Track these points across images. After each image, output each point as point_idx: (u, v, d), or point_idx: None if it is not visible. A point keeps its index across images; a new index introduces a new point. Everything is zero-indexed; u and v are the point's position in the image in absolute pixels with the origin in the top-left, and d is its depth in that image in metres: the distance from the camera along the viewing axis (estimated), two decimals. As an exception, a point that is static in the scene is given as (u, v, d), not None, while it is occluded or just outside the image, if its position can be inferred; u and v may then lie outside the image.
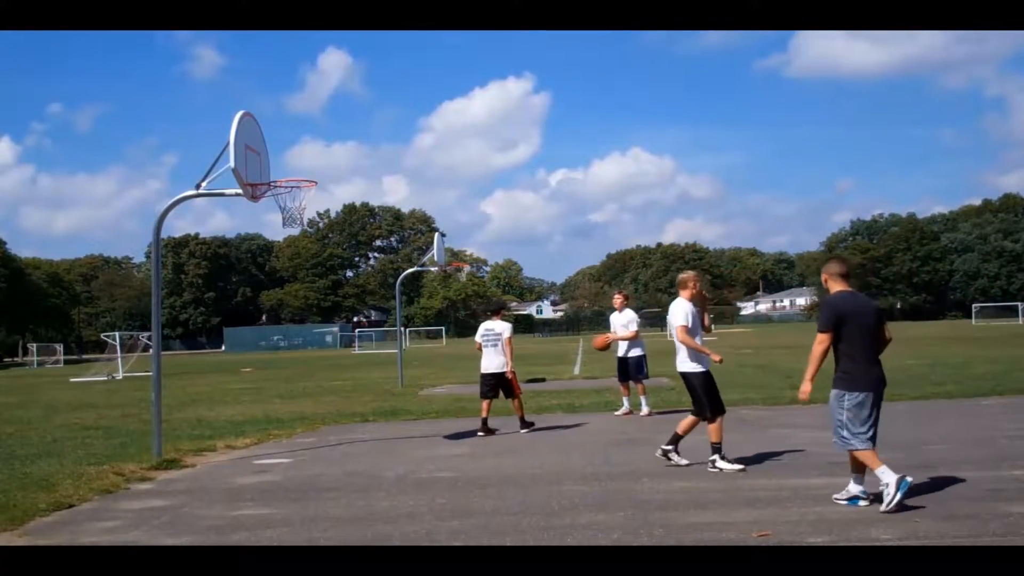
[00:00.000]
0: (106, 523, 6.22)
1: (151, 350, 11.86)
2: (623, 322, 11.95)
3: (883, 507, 5.59)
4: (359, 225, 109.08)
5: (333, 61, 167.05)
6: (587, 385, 17.37)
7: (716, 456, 7.32)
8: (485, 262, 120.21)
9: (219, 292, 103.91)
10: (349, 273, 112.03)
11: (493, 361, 10.53)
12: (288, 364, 40.48)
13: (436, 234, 24.64)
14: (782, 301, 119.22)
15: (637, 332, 11.87)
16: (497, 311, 11.03)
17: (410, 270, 26.49)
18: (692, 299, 7.67)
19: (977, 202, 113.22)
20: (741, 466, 7.29)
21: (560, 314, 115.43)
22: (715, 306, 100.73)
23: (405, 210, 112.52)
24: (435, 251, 21.70)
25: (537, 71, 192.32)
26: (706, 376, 7.48)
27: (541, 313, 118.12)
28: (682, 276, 7.85)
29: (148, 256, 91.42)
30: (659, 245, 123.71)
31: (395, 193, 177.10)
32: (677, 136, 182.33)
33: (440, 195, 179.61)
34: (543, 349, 42.53)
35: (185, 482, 7.92)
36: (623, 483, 6.97)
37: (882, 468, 5.66)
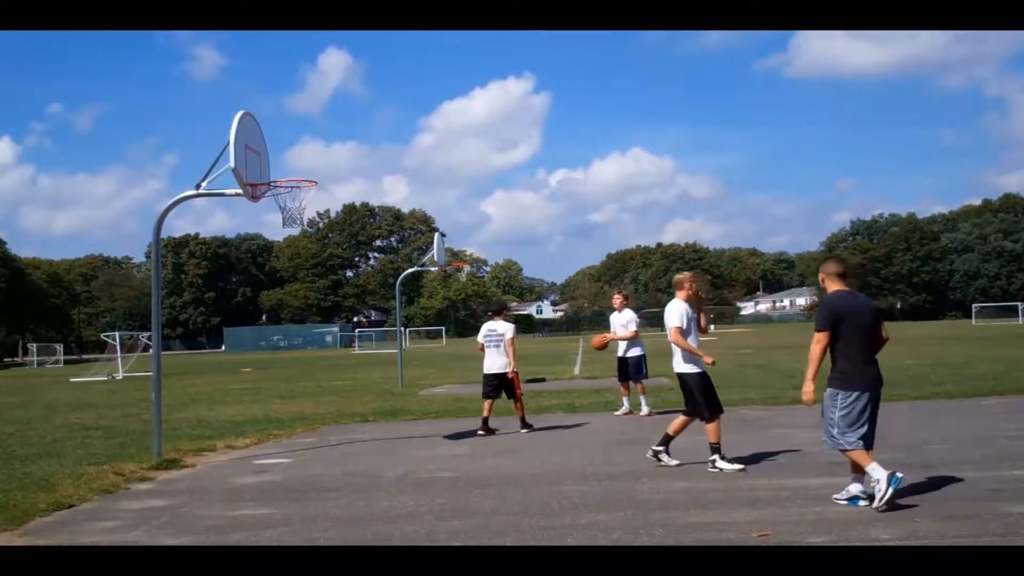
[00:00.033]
0: (106, 523, 6.22)
1: (151, 350, 11.87)
2: (622, 322, 11.95)
3: (875, 504, 5.61)
4: (359, 225, 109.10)
5: (333, 61, 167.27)
6: (587, 385, 17.37)
7: (716, 456, 7.32)
8: (485, 262, 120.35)
9: (219, 292, 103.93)
10: (349, 273, 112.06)
11: (495, 362, 10.53)
12: (288, 364, 40.48)
13: (436, 234, 24.64)
14: (782, 301, 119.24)
15: (636, 332, 11.87)
16: (499, 311, 11.03)
17: (410, 270, 26.48)
18: (688, 300, 7.67)
19: (977, 202, 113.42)
20: (741, 466, 7.29)
21: (560, 314, 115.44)
22: (715, 306, 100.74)
23: (405, 210, 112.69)
24: (435, 251, 21.70)
25: (537, 71, 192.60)
26: (703, 377, 7.49)
27: (541, 313, 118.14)
28: (678, 277, 7.85)
29: (148, 256, 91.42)
30: (659, 245, 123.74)
31: (395, 193, 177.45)
32: (677, 136, 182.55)
33: (440, 195, 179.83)
34: (543, 349, 42.54)
35: (185, 482, 7.92)
36: (623, 483, 6.97)
37: (873, 465, 5.67)
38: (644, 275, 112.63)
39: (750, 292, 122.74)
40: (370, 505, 6.53)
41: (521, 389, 10.83)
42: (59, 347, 66.06)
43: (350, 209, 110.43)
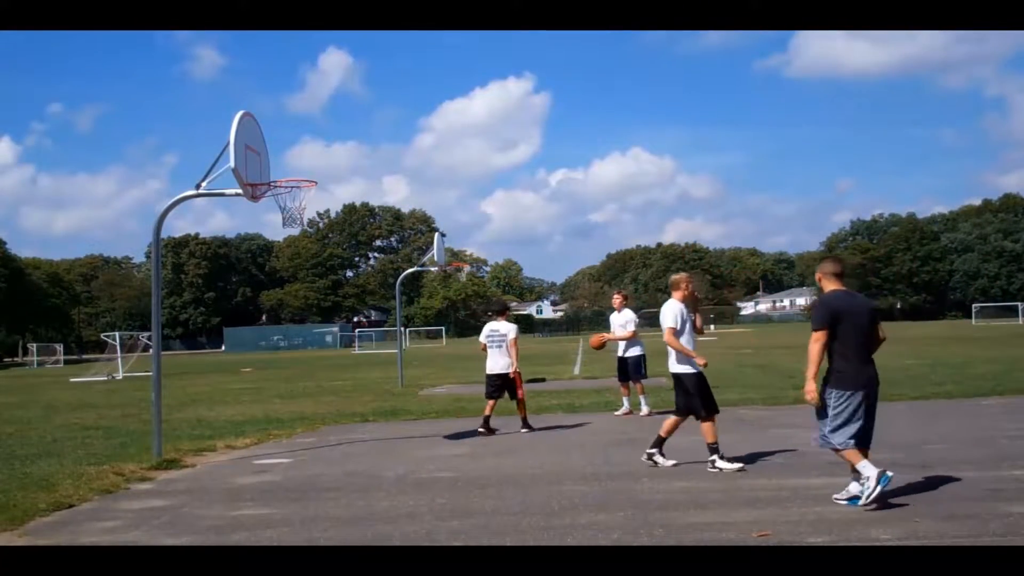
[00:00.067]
0: (106, 523, 6.22)
1: (151, 350, 11.87)
2: (621, 322, 11.97)
3: (862, 501, 5.65)
4: (359, 225, 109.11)
5: (333, 61, 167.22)
6: (587, 385, 17.37)
7: (715, 456, 7.32)
8: (485, 262, 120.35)
9: (219, 292, 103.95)
10: (349, 273, 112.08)
11: (498, 362, 10.55)
12: (288, 364, 40.49)
13: (436, 234, 24.64)
14: (782, 301, 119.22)
15: (635, 332, 11.87)
16: (502, 312, 11.05)
17: (410, 270, 26.49)
18: (684, 300, 7.68)
19: (977, 202, 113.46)
20: (740, 464, 7.30)
21: (560, 314, 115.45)
22: (715, 306, 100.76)
23: (405, 210, 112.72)
24: (435, 251, 21.70)
25: (537, 71, 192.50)
26: (698, 377, 7.50)
27: (541, 313, 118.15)
28: (674, 277, 7.86)
29: (148, 256, 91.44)
30: (659, 245, 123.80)
31: (395, 193, 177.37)
32: (677, 136, 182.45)
33: (440, 195, 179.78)
34: (543, 349, 42.54)
35: (185, 482, 7.92)
36: (623, 483, 6.97)
37: (863, 463, 5.71)
38: (644, 275, 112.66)
39: (750, 292, 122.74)
40: (370, 505, 6.53)
41: (523, 389, 10.84)
42: (59, 347, 66.07)
43: (350, 209, 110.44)
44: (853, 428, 5.80)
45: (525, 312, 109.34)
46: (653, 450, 7.68)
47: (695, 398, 7.44)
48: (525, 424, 10.62)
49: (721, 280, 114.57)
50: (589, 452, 8.74)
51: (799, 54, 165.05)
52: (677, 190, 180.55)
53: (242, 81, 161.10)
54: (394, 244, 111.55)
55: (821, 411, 5.87)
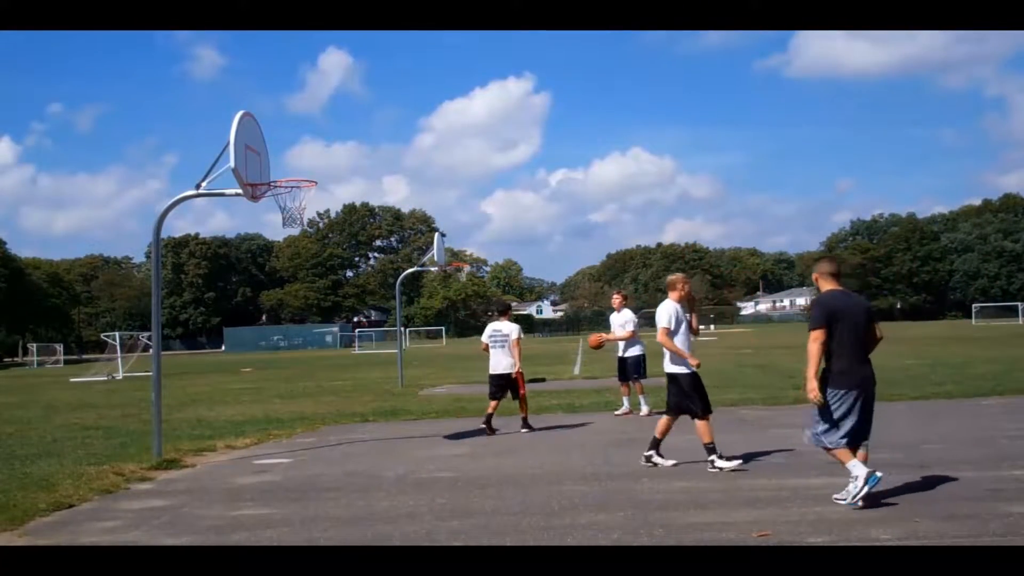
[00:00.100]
0: (106, 523, 6.22)
1: (151, 350, 11.87)
2: (620, 322, 11.98)
3: (849, 499, 5.70)
4: (359, 225, 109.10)
5: (333, 61, 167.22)
6: (587, 385, 17.37)
7: (713, 456, 7.33)
8: (485, 262, 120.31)
9: (219, 292, 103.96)
10: (349, 273, 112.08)
11: (501, 362, 10.55)
12: (288, 364, 40.49)
13: (436, 234, 24.64)
14: (782, 301, 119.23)
15: (633, 332, 11.88)
16: (504, 312, 11.07)
17: (410, 270, 26.49)
18: (680, 301, 7.70)
19: (977, 202, 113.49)
20: (739, 461, 7.33)
21: (560, 314, 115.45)
22: (715, 306, 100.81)
23: (405, 210, 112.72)
24: (435, 251, 21.70)
25: (537, 71, 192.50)
26: (693, 377, 7.53)
27: (541, 313, 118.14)
28: (671, 278, 7.88)
29: (148, 256, 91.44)
30: (659, 245, 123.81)
31: (395, 193, 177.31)
32: (677, 136, 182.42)
33: (440, 195, 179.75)
34: (543, 349, 42.54)
35: (185, 482, 7.92)
36: (623, 483, 6.97)
37: (853, 462, 5.75)
38: (644, 275, 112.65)
39: (750, 292, 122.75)
40: (370, 505, 6.53)
41: (525, 389, 10.85)
42: (59, 347, 66.07)
43: (350, 209, 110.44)
44: (846, 428, 5.82)
45: (525, 312, 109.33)
46: (651, 452, 7.70)
47: (689, 398, 7.47)
48: (525, 424, 10.63)
49: (721, 280, 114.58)
50: (589, 452, 8.74)
51: (799, 54, 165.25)
52: (677, 190, 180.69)
53: (242, 81, 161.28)
54: (394, 244, 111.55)
55: (823, 409, 5.88)
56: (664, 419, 7.70)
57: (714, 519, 5.60)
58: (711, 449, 7.35)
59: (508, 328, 10.62)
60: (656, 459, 7.63)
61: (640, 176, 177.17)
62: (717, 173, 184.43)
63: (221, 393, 20.31)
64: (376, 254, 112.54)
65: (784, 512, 5.69)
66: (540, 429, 10.63)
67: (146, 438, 10.05)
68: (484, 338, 10.82)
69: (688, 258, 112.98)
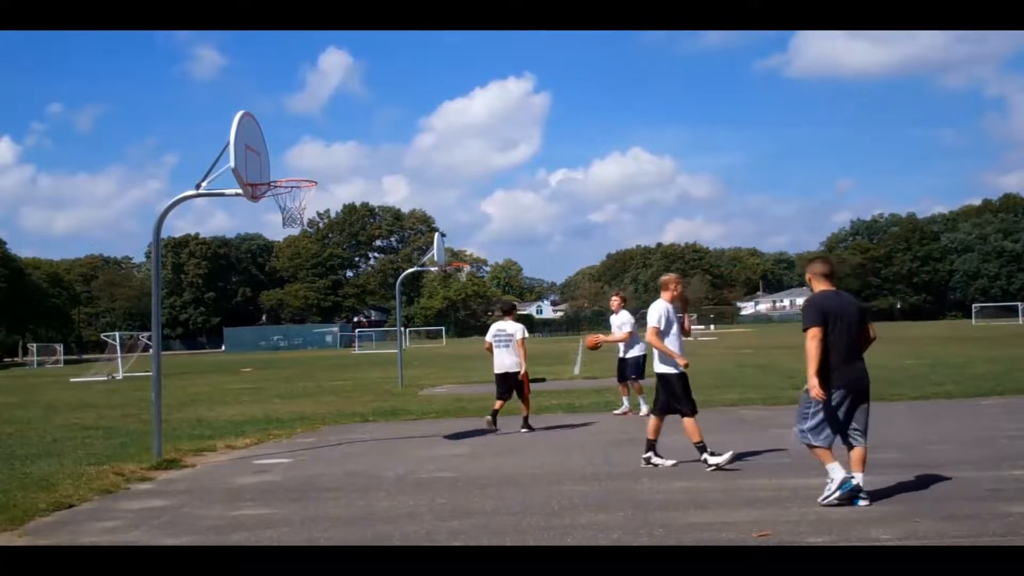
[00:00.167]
0: (106, 523, 6.21)
1: (151, 350, 11.87)
2: (619, 323, 12.00)
3: (820, 499, 5.79)
4: (359, 225, 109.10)
5: (333, 61, 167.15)
6: (587, 385, 17.37)
7: (705, 455, 7.36)
8: (485, 262, 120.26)
9: (219, 292, 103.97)
10: (349, 273, 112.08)
11: (505, 361, 10.57)
12: (288, 364, 40.49)
13: (436, 234, 24.64)
14: (782, 301, 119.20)
15: (630, 334, 11.86)
16: (509, 312, 11.10)
17: (410, 270, 26.49)
18: (672, 301, 7.71)
19: (977, 202, 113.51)
20: (731, 453, 7.37)
21: (560, 314, 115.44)
22: (715, 306, 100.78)
23: (405, 210, 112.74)
24: (435, 251, 21.70)
25: (537, 71, 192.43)
26: (681, 377, 7.55)
27: (541, 313, 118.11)
28: (664, 278, 7.90)
29: (148, 256, 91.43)
30: (659, 245, 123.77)
31: (395, 193, 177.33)
32: (677, 136, 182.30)
33: (440, 195, 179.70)
34: (543, 349, 42.53)
35: (185, 482, 7.92)
36: (623, 483, 6.97)
37: (834, 464, 5.81)
38: (644, 275, 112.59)
39: (750, 292, 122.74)
40: (370, 505, 6.53)
41: (530, 389, 10.87)
42: (59, 347, 66.05)
43: (350, 209, 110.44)
44: (831, 427, 5.88)
45: (525, 312, 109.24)
46: (648, 454, 7.71)
47: (677, 398, 7.50)
48: (525, 424, 10.63)
49: (721, 280, 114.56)
50: (589, 452, 8.74)
51: (799, 54, 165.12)
52: (677, 190, 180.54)
53: (242, 81, 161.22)
54: (394, 244, 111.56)
55: (811, 407, 5.91)
56: (653, 420, 7.74)
57: (714, 519, 5.60)
58: (702, 448, 7.39)
59: (513, 328, 10.64)
60: (655, 460, 7.64)
61: (640, 176, 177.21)
62: (717, 173, 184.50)
63: (221, 393, 20.31)
64: (376, 254, 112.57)
65: (784, 512, 5.70)
66: (540, 429, 10.63)
67: (146, 438, 10.05)
68: (488, 338, 10.83)
69: (688, 258, 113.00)
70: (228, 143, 8.58)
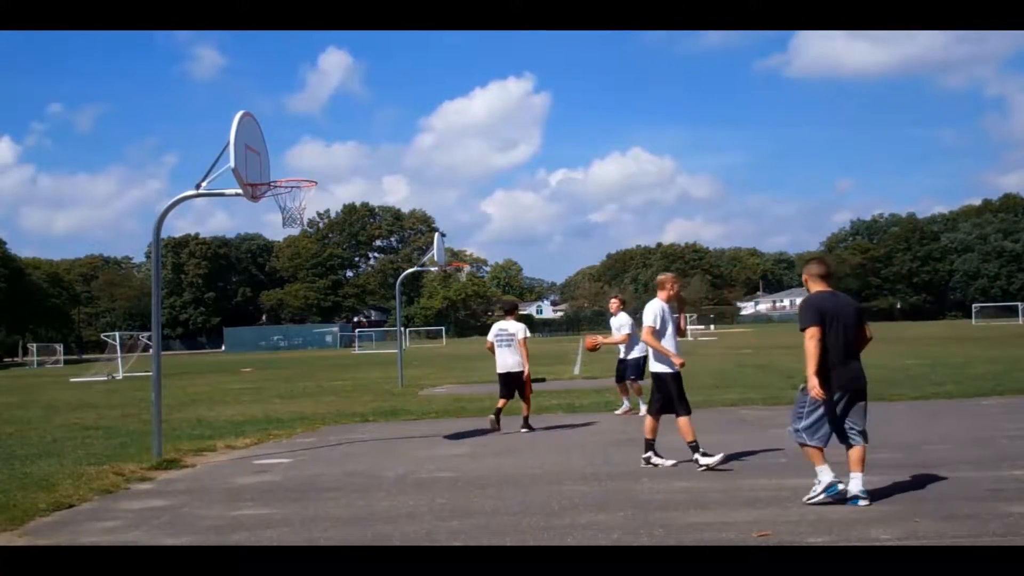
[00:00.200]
0: (106, 523, 6.22)
1: (151, 350, 11.87)
2: (617, 326, 12.01)
3: (805, 498, 5.88)
4: (359, 225, 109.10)
5: (333, 61, 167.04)
6: (587, 385, 17.37)
7: (697, 455, 7.37)
8: (485, 262, 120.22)
9: (219, 292, 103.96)
10: (349, 273, 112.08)
11: (507, 360, 10.58)
12: (288, 364, 40.49)
13: (436, 234, 24.64)
14: (782, 301, 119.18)
15: (627, 336, 11.85)
16: (511, 311, 11.10)
17: (410, 270, 26.49)
18: (668, 300, 7.72)
19: (977, 202, 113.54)
20: (723, 455, 7.38)
21: (560, 314, 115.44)
22: (715, 306, 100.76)
23: (405, 210, 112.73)
24: (435, 251, 21.70)
25: (537, 71, 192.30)
26: (676, 376, 7.56)
27: (541, 313, 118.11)
28: (660, 277, 7.92)
29: (148, 256, 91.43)
30: (659, 245, 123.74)
31: (395, 193, 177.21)
32: (677, 136, 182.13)
33: (440, 195, 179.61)
34: (543, 349, 42.52)
35: (185, 482, 7.92)
36: (623, 483, 6.97)
37: (823, 467, 5.88)
38: (644, 275, 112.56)
39: (750, 292, 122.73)
40: (370, 505, 6.53)
41: (532, 388, 10.89)
42: (59, 347, 66.04)
43: (350, 209, 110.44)
44: (825, 427, 5.91)
45: (525, 312, 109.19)
46: (648, 454, 7.71)
47: (672, 398, 7.51)
48: (526, 424, 10.63)
49: (721, 280, 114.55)
50: (589, 452, 8.74)
51: (799, 54, 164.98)
52: (677, 190, 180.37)
53: (242, 81, 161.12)
54: (394, 244, 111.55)
55: (806, 407, 5.95)
56: (649, 420, 7.74)
57: (714, 519, 5.60)
58: (694, 447, 7.40)
59: (514, 327, 10.65)
60: (655, 460, 7.64)
61: (640, 176, 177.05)
62: (717, 173, 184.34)
63: (221, 393, 20.31)
64: (376, 254, 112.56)
65: (784, 512, 5.70)
66: (540, 429, 10.63)
67: (146, 438, 10.05)
68: (490, 337, 10.84)
69: (688, 258, 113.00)
70: (228, 143, 8.58)
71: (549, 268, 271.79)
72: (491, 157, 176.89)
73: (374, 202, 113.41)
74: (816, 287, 6.12)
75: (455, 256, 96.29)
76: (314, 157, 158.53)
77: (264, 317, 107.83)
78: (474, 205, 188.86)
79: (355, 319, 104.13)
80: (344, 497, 6.86)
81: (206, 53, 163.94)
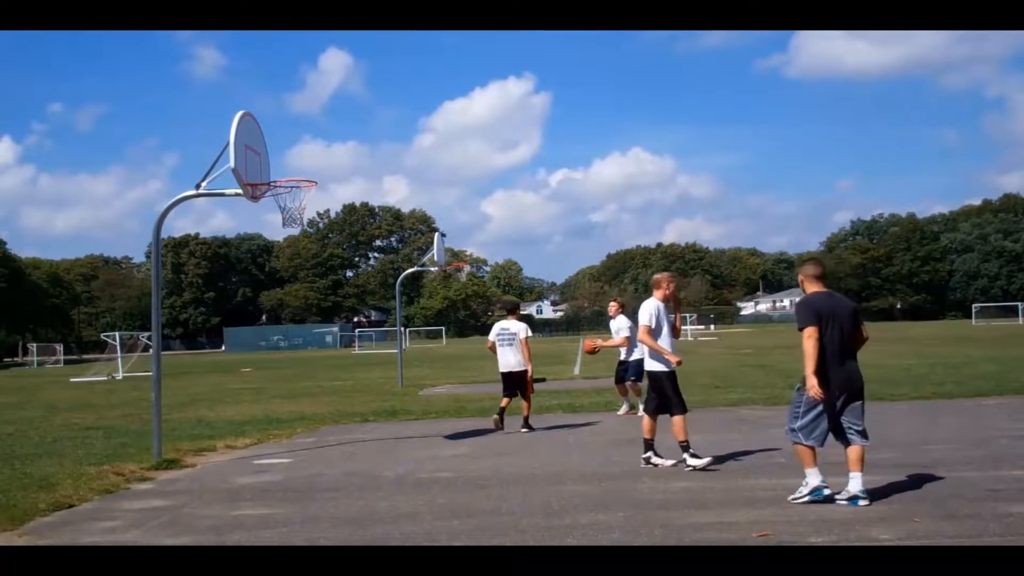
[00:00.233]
0: (106, 523, 6.22)
1: (151, 350, 11.87)
2: (616, 329, 12.03)
3: (791, 497, 5.95)
4: (359, 225, 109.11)
5: (334, 61, 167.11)
6: (587, 385, 17.37)
7: (686, 455, 7.38)
8: (485, 262, 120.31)
9: (219, 292, 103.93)
10: (349, 273, 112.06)
11: (509, 360, 10.61)
12: (288, 364, 40.49)
13: (436, 234, 24.64)
14: (782, 301, 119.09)
15: (627, 340, 11.85)
16: (512, 311, 11.13)
17: (410, 270, 26.49)
18: (665, 300, 7.72)
19: (977, 202, 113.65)
20: (710, 459, 7.37)
21: (560, 314, 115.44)
22: (715, 306, 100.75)
23: (405, 210, 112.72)
24: (435, 251, 21.70)
25: (537, 71, 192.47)
26: (671, 375, 7.57)
27: (541, 313, 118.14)
28: (656, 276, 7.93)
29: (148, 256, 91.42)
30: (659, 245, 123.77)
31: (395, 193, 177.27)
32: (677, 136, 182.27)
33: (440, 195, 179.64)
34: (543, 349, 42.53)
35: (185, 482, 7.92)
36: (623, 483, 6.97)
37: (812, 470, 5.93)
38: (644, 275, 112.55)
39: (750, 292, 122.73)
40: (370, 505, 6.53)
41: (533, 388, 10.91)
42: (59, 347, 65.99)
43: (350, 209, 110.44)
44: (820, 428, 5.93)
45: (525, 312, 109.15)
46: (648, 454, 7.72)
47: (667, 397, 7.52)
48: (526, 424, 10.64)
49: (721, 280, 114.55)
50: (589, 452, 8.74)
51: (799, 54, 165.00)
52: (677, 190, 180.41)
53: (242, 81, 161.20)
54: (394, 244, 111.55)
55: (802, 407, 5.97)
56: (646, 420, 7.74)
57: (714, 519, 5.60)
58: (685, 447, 7.41)
59: (516, 327, 10.66)
60: (655, 460, 7.64)
61: (640, 176, 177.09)
62: (717, 173, 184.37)
63: (221, 393, 20.31)
64: (376, 254, 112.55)
65: (784, 512, 5.70)
66: (540, 429, 10.63)
67: (146, 438, 10.05)
68: (492, 336, 10.86)
69: (688, 258, 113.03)
70: (228, 143, 8.58)
71: (549, 268, 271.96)
72: (491, 157, 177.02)
73: (374, 202, 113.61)
74: (812, 288, 6.15)
75: (455, 256, 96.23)
76: (314, 157, 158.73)
77: (264, 317, 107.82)
78: (474, 205, 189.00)
79: (355, 319, 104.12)
80: (344, 497, 6.86)
81: (206, 53, 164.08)
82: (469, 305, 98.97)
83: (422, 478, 7.60)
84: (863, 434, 5.95)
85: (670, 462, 7.57)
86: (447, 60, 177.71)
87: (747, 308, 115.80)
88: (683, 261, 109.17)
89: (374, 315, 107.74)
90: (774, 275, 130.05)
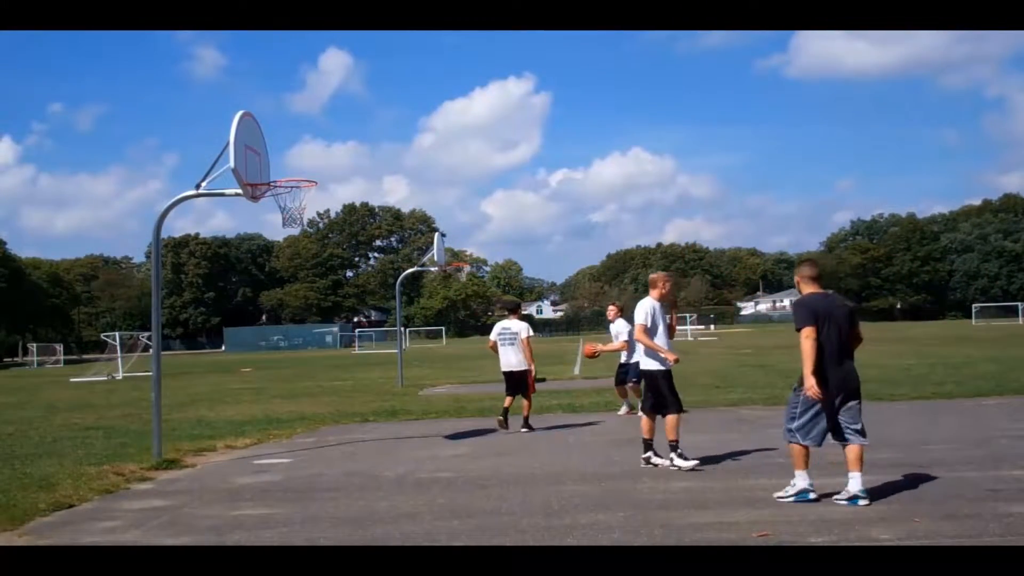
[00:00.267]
0: (106, 523, 6.22)
1: (151, 350, 11.87)
2: (615, 332, 12.05)
3: (776, 494, 6.02)
4: (359, 225, 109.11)
5: (334, 61, 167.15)
6: (587, 385, 17.38)
7: (673, 455, 7.38)
8: (485, 262, 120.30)
9: (219, 292, 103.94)
10: (349, 273, 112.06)
11: (511, 359, 10.63)
12: (288, 364, 40.49)
13: (436, 234, 24.64)
14: (782, 301, 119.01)
15: (626, 343, 11.85)
16: (514, 310, 11.16)
17: (410, 270, 26.48)
18: (661, 299, 7.72)
19: (977, 202, 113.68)
20: (697, 461, 7.38)
21: (560, 314, 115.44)
22: (715, 306, 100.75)
23: (405, 210, 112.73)
24: (435, 251, 21.70)
25: (537, 71, 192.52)
26: (667, 374, 7.58)
27: (541, 313, 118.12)
28: (652, 276, 7.95)
29: (148, 256, 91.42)
30: (659, 245, 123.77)
31: (395, 193, 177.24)
32: (677, 136, 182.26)
33: (440, 195, 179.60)
34: (543, 349, 42.51)
35: (185, 482, 7.92)
36: (623, 483, 6.97)
37: (802, 472, 5.98)
38: (644, 275, 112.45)
39: (750, 292, 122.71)
40: (370, 505, 6.53)
41: (535, 388, 10.93)
42: (59, 347, 65.99)
43: (350, 209, 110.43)
44: (817, 428, 5.95)
45: (525, 312, 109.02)
46: (648, 454, 7.72)
47: (663, 395, 7.53)
48: (526, 424, 10.64)
49: (721, 280, 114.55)
50: (589, 452, 8.74)
51: (799, 54, 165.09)
52: (677, 190, 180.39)
53: (242, 81, 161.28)
54: (394, 244, 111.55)
55: (798, 407, 5.98)
56: (644, 420, 7.75)
57: (714, 519, 5.60)
58: (674, 446, 7.42)
59: (517, 326, 10.67)
60: (655, 460, 7.64)
61: (640, 176, 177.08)
62: (717, 173, 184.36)
63: (221, 393, 20.31)
64: (376, 254, 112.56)
65: (784, 512, 5.70)
66: (540, 429, 10.63)
67: (146, 438, 10.05)
68: (493, 336, 10.87)
69: (688, 258, 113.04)
70: (228, 143, 8.58)
71: (549, 268, 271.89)
72: (491, 157, 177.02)
73: (374, 202, 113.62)
74: (808, 288, 6.17)
75: (455, 256, 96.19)
76: (314, 157, 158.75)
77: (264, 317, 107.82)
78: (474, 205, 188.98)
79: (355, 319, 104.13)
80: (344, 497, 6.86)
81: (206, 53, 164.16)
82: (469, 305, 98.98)
83: (422, 478, 7.60)
84: (861, 433, 5.96)
85: (668, 462, 7.57)
86: (447, 60, 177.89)
87: (747, 308, 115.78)
88: (683, 261, 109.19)
89: (374, 315, 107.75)
90: (774, 275, 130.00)
